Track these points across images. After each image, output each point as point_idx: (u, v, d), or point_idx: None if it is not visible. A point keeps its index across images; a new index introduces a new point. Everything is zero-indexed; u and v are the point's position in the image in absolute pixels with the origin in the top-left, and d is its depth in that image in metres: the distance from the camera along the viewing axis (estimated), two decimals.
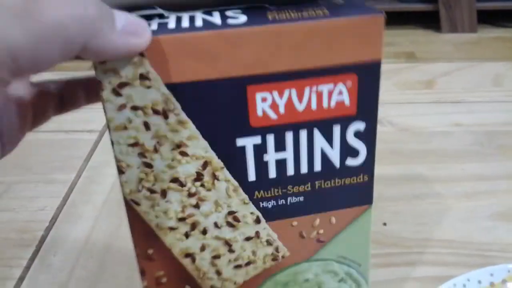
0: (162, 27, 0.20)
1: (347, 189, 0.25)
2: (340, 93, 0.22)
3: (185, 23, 0.20)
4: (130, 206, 0.22)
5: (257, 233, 0.24)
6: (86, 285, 0.35)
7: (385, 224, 0.40)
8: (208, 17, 0.21)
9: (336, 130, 0.23)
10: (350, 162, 0.24)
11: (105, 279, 0.36)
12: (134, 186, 0.22)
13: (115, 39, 0.18)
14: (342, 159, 0.24)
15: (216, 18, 0.20)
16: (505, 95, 0.56)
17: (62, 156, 0.50)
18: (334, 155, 0.24)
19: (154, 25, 0.20)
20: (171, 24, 0.20)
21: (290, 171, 0.23)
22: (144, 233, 0.23)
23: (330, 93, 0.22)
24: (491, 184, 0.43)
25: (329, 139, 0.23)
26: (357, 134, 0.23)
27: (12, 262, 0.38)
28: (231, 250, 0.25)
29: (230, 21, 0.20)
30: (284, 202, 0.24)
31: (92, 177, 0.46)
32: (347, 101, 0.22)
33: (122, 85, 0.20)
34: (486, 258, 0.36)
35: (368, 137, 0.23)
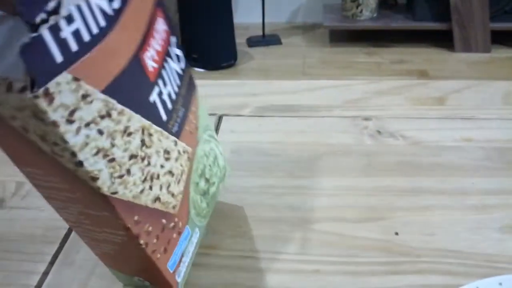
0: (80, 43, 0.22)
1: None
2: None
3: (84, 33, 0.23)
4: (110, 199, 0.26)
5: (178, 151, 0.32)
6: (106, 282, 0.37)
7: (397, 233, 0.41)
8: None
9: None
10: None
11: None
12: (109, 182, 0.26)
13: None
14: None
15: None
16: None
17: None
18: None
19: (73, 44, 0.22)
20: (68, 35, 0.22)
21: (173, 96, 0.31)
22: (126, 209, 0.28)
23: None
24: (501, 198, 0.44)
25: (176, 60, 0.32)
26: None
27: (36, 258, 0.39)
28: (172, 175, 0.32)
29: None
30: (179, 120, 0.33)
31: None
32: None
33: (72, 112, 0.23)
34: (494, 269, 0.37)
35: None
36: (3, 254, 0.40)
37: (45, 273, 0.38)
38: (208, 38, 2.09)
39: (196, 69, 2.20)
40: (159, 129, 0.29)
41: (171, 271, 0.33)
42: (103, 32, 0.24)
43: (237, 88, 0.66)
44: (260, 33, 2.46)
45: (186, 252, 0.35)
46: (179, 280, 0.34)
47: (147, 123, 0.28)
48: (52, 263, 0.39)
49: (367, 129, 0.55)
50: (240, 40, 2.34)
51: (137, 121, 0.27)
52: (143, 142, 0.27)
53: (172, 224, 0.32)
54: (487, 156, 0.50)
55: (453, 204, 0.44)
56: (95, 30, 0.23)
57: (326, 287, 0.36)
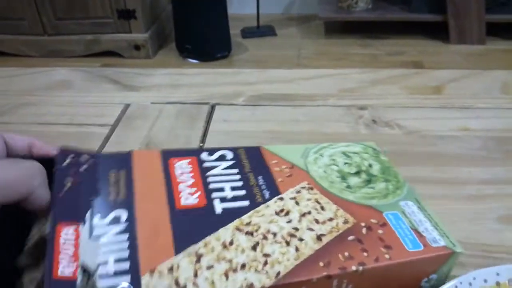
0: None
1: None
2: None
3: None
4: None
5: (293, 199, 0.33)
6: None
7: None
8: None
9: None
10: None
11: None
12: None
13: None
14: None
15: None
16: None
17: None
18: None
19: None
20: None
21: (237, 186, 0.34)
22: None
23: None
24: (498, 188, 0.44)
25: None
26: None
27: None
28: (306, 214, 0.32)
29: None
30: (263, 186, 0.34)
31: None
32: None
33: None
34: (492, 260, 0.36)
35: None
36: None
37: None
38: (202, 29, 2.07)
39: (190, 60, 2.18)
40: (250, 214, 0.31)
41: (425, 246, 0.32)
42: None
43: (232, 77, 0.65)
44: (255, 24, 2.44)
45: (417, 221, 0.34)
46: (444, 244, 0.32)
47: (234, 223, 0.30)
48: None
49: (363, 118, 0.54)
50: (234, 31, 2.32)
51: (226, 234, 0.29)
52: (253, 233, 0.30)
53: (363, 229, 0.32)
54: (484, 146, 0.49)
55: (450, 194, 0.43)
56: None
57: None
